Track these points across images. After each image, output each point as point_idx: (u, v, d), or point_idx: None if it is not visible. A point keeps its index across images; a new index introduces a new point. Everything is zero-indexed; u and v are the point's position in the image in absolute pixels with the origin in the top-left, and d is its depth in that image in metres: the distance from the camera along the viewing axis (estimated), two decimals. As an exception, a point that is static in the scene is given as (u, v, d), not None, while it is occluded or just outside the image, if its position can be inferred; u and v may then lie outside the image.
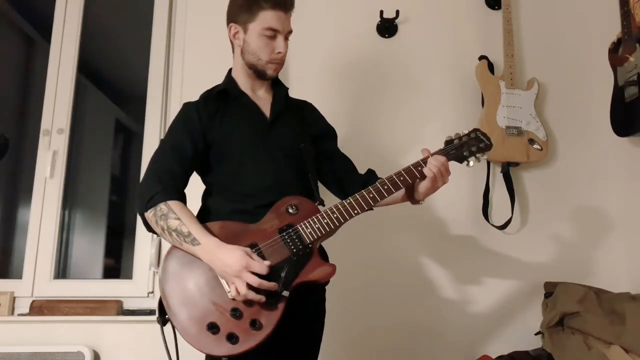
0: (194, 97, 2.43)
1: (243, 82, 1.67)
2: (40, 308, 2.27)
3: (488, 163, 2.45)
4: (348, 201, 1.49)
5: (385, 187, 1.51)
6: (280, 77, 1.76)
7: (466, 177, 2.43)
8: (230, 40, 1.67)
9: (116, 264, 2.68)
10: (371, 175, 1.73)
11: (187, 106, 1.66)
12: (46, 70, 2.57)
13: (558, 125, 2.54)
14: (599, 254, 2.43)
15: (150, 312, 2.30)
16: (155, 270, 2.35)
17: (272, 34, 1.57)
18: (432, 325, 2.33)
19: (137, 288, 2.37)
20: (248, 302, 1.38)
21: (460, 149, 1.57)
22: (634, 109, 2.17)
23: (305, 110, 1.79)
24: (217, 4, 2.57)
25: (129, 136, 2.85)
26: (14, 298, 2.31)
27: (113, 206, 2.77)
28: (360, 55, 2.56)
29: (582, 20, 2.64)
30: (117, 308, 2.29)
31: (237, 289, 1.36)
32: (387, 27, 2.58)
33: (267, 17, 1.55)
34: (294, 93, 1.81)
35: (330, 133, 1.81)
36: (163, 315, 1.41)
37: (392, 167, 2.43)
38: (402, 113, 2.52)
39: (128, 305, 2.33)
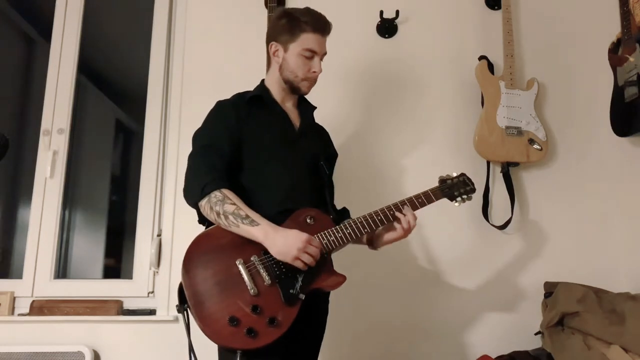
0: (194, 97, 2.47)
1: (276, 93, 1.77)
2: (41, 308, 2.27)
3: (488, 163, 2.45)
4: (360, 220, 1.64)
5: (385, 214, 1.67)
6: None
7: (466, 177, 2.43)
8: (268, 56, 1.77)
9: (116, 264, 2.67)
10: (344, 212, 1.82)
11: (222, 104, 1.72)
12: (46, 70, 2.57)
13: (558, 125, 2.54)
14: (599, 254, 2.43)
15: (151, 312, 2.30)
16: (156, 270, 2.36)
17: (310, 54, 1.70)
18: (432, 325, 2.33)
19: (137, 288, 2.37)
20: (268, 301, 1.46)
21: (452, 189, 1.79)
22: (633, 109, 2.18)
23: (322, 131, 1.93)
24: (217, 5, 2.60)
25: (129, 136, 2.85)
26: (14, 298, 2.31)
27: (113, 206, 2.77)
28: (360, 55, 2.56)
29: (581, 21, 2.64)
30: (117, 308, 2.29)
31: (303, 262, 1.49)
32: (387, 27, 2.58)
33: (307, 39, 1.69)
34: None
35: (335, 159, 1.92)
36: (183, 304, 1.47)
37: (391, 167, 2.46)
38: (402, 113, 2.52)
39: (128, 305, 2.33)
